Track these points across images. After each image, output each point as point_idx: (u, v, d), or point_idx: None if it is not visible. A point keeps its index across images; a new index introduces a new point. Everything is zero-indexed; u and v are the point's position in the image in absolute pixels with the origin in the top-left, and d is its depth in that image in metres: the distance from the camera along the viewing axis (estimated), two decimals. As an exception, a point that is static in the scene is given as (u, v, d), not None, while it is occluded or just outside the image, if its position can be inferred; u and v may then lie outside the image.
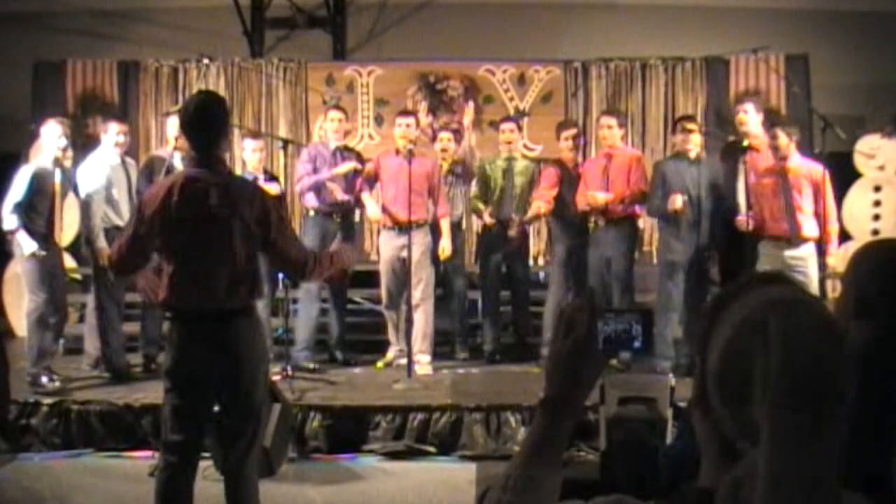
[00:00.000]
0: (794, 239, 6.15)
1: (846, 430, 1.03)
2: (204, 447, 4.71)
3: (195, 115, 3.67)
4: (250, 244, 3.59)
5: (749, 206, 6.24)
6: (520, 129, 7.38)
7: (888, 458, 1.46)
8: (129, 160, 6.74)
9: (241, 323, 3.58)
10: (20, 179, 6.05)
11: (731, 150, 6.88)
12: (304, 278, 3.86)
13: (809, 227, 6.18)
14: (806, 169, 6.26)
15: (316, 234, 6.83)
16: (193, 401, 3.59)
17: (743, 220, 6.22)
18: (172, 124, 6.50)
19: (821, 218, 6.17)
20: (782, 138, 6.19)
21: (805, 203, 6.17)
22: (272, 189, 6.48)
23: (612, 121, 6.88)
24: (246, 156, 6.99)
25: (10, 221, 6.03)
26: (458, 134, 7.38)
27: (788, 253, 6.14)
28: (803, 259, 6.13)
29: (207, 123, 3.65)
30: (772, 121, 6.59)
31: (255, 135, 7.35)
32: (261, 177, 6.67)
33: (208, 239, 3.55)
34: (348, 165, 6.84)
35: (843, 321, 1.79)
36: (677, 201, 6.21)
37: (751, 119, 6.64)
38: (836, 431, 1.02)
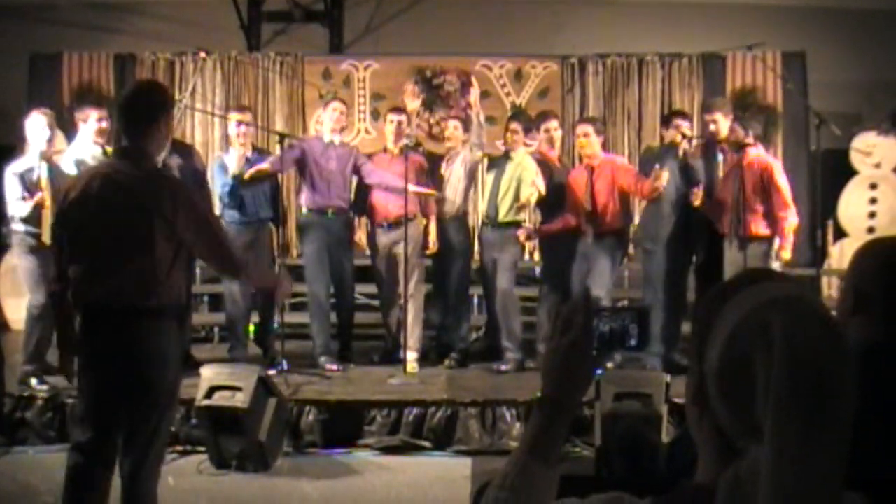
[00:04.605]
0: (748, 236, 6.02)
1: (850, 429, 1.03)
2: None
3: (127, 104, 3.55)
4: (166, 242, 3.37)
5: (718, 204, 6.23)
6: (527, 132, 6.85)
7: (887, 456, 1.46)
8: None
9: (146, 324, 3.39)
10: (8, 183, 5.91)
11: (708, 147, 6.81)
12: (235, 278, 3.81)
13: (764, 224, 6.04)
14: (757, 164, 6.08)
15: (313, 234, 6.69)
16: (98, 401, 3.46)
17: (698, 193, 6.12)
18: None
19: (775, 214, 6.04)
20: (739, 132, 6.10)
21: (760, 199, 6.03)
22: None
23: (589, 128, 6.60)
24: (230, 130, 6.78)
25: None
26: (465, 123, 6.94)
27: (748, 251, 5.99)
28: (757, 258, 5.96)
29: (138, 113, 3.49)
30: (734, 115, 6.50)
31: (242, 108, 7.10)
32: (248, 154, 6.55)
33: (118, 234, 3.38)
34: (262, 166, 6.49)
35: (844, 318, 1.79)
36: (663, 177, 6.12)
37: (721, 127, 6.40)
38: (842, 431, 1.02)
